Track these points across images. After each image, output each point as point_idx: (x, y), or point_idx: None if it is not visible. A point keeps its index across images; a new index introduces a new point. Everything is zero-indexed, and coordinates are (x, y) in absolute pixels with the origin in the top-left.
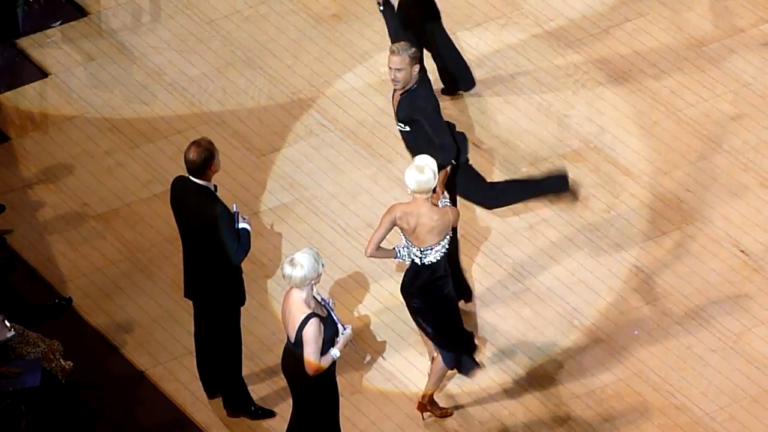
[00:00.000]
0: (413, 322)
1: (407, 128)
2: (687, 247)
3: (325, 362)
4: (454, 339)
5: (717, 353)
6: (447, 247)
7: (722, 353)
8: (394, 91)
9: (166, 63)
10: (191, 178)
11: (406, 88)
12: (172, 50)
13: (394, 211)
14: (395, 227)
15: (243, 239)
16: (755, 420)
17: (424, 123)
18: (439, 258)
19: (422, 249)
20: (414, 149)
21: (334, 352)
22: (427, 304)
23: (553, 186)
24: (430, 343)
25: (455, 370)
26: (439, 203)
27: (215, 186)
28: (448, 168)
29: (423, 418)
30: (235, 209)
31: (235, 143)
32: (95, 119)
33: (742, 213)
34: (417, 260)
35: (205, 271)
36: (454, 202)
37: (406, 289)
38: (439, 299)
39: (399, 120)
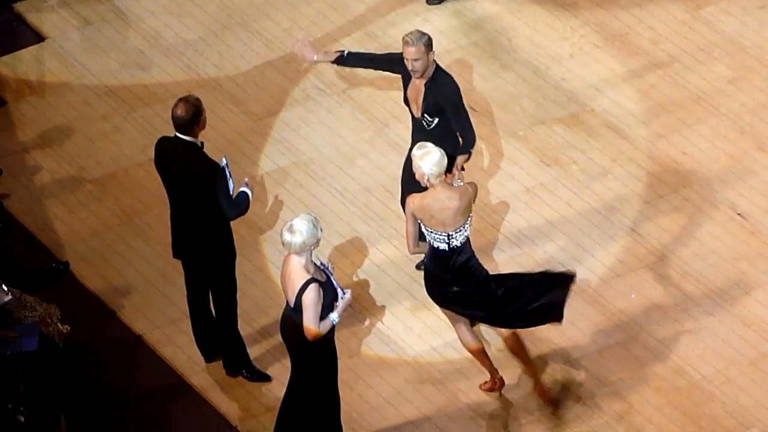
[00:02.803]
0: (411, 288)
1: (435, 120)
2: (684, 211)
3: (324, 327)
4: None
5: (714, 316)
6: (470, 224)
7: (719, 316)
8: (409, 83)
9: (163, 27)
10: (178, 135)
11: (427, 77)
12: (168, 14)
13: (410, 205)
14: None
15: (240, 198)
16: (752, 383)
17: (448, 108)
18: (466, 237)
19: (449, 233)
20: (441, 140)
21: (333, 316)
22: (471, 287)
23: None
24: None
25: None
26: (454, 183)
27: (202, 143)
28: (467, 155)
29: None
30: (225, 162)
31: (232, 107)
32: (92, 84)
33: (740, 176)
34: (445, 246)
35: (194, 228)
36: None
37: (438, 281)
38: (482, 278)
39: (426, 112)
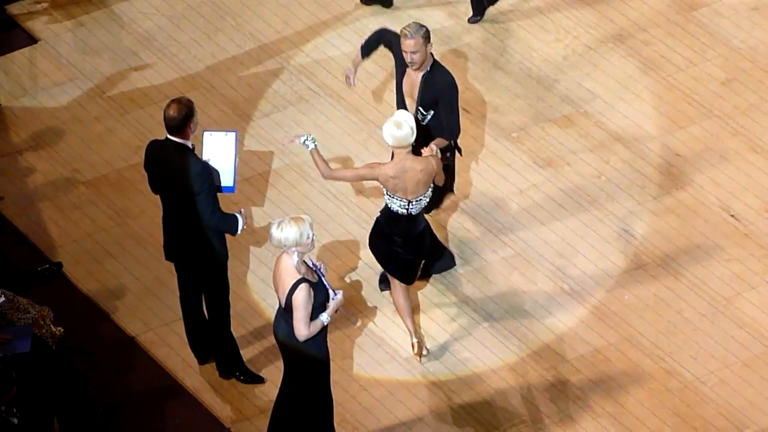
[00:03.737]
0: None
1: (430, 113)
2: (677, 212)
3: (315, 327)
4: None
5: (707, 318)
6: (430, 195)
7: (712, 318)
8: (403, 77)
9: (156, 29)
10: (169, 137)
11: (424, 69)
12: (161, 16)
13: (376, 173)
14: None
15: (227, 217)
16: (745, 384)
17: (441, 101)
18: (423, 206)
19: (411, 200)
20: (435, 133)
21: (324, 317)
22: (413, 254)
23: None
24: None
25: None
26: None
27: (193, 145)
28: (446, 142)
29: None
30: (235, 135)
31: (225, 109)
32: (85, 85)
33: (732, 178)
34: (403, 210)
35: (187, 230)
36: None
37: (384, 238)
38: (423, 237)
39: (421, 105)
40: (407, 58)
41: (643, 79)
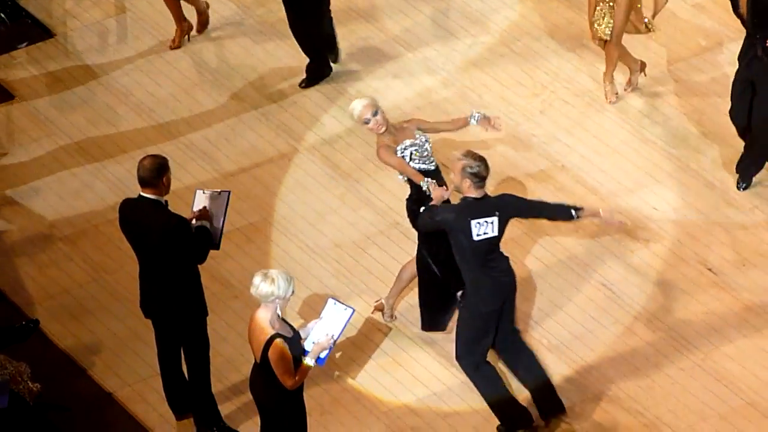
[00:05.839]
0: (382, 343)
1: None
2: (654, 266)
3: (301, 374)
4: None
5: (685, 371)
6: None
7: (690, 371)
8: None
9: (133, 84)
10: (142, 194)
11: None
12: (138, 71)
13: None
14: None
15: (199, 234)
16: None
17: None
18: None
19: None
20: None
21: (308, 360)
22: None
23: None
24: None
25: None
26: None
27: (166, 201)
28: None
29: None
30: (228, 194)
31: (202, 164)
32: (62, 141)
33: (710, 232)
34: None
35: (164, 286)
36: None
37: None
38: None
39: None
40: None
41: (619, 133)
